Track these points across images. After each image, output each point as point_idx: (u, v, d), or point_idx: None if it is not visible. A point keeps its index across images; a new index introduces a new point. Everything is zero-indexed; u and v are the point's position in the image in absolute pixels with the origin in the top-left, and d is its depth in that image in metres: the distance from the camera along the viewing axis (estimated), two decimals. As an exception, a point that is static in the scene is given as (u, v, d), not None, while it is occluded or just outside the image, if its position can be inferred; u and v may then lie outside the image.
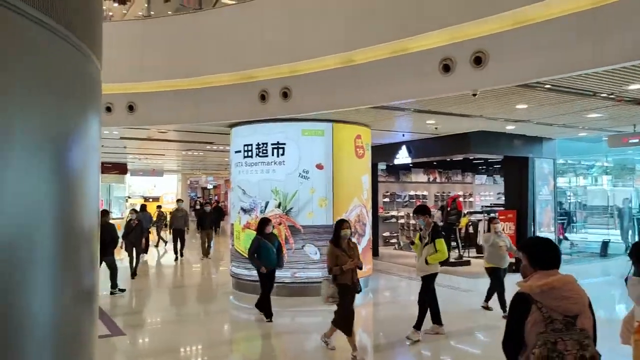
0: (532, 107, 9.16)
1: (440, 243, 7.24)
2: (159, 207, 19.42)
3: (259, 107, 9.54)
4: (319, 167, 10.05)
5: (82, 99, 2.13)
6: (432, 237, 7.30)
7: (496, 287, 8.67)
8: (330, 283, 6.52)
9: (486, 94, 8.01)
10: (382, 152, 14.60)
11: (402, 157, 14.32)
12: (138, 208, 15.13)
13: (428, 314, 7.44)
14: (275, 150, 10.05)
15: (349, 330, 6.47)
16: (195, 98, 10.23)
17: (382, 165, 17.97)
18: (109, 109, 10.77)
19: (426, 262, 7.26)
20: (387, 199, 19.07)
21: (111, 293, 10.31)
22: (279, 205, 9.98)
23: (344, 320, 6.50)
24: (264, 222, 8.51)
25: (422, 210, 7.62)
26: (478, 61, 6.92)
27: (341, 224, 6.67)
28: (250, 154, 10.31)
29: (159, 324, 8.93)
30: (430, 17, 7.20)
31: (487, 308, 8.91)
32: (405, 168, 19.33)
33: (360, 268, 6.73)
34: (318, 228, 9.91)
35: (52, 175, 1.66)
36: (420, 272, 7.47)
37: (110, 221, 11.23)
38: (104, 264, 10.18)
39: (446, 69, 7.25)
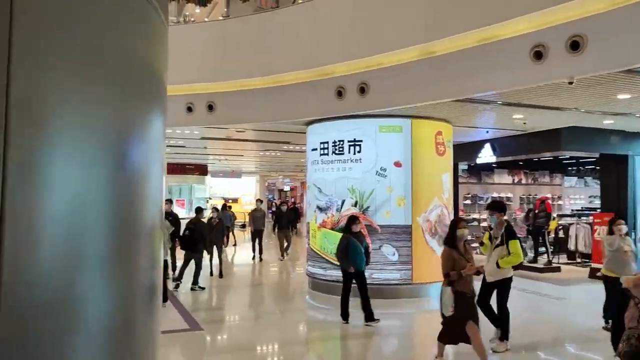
0: (636, 97, 8.28)
1: (515, 245, 6.47)
2: (229, 207, 19.64)
3: (335, 103, 9.36)
4: (397, 164, 9.69)
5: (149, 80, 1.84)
6: (505, 237, 6.53)
7: (614, 300, 6.69)
8: (450, 291, 5.70)
9: (583, 83, 7.31)
10: (463, 151, 13.94)
11: (486, 155, 13.59)
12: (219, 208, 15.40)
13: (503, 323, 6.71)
14: (351, 148, 9.82)
15: (447, 338, 5.87)
16: (272, 96, 10.23)
17: (463, 165, 17.24)
18: (190, 109, 11.05)
19: (497, 266, 6.50)
20: (468, 201, 18.29)
21: (191, 289, 10.52)
22: (355, 204, 9.73)
23: (450, 329, 5.75)
24: (352, 219, 8.05)
25: (496, 207, 6.94)
26: (575, 46, 6.30)
27: (457, 222, 6.03)
28: (326, 151, 10.15)
29: (236, 321, 8.96)
30: (520, 1, 6.67)
31: (608, 329, 6.99)
32: (488, 169, 18.43)
33: (480, 273, 6.14)
34: (396, 228, 9.55)
35: (112, 172, 1.50)
36: (490, 277, 6.58)
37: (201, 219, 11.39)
38: (191, 260, 10.49)
39: (538, 56, 6.68)
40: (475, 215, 17.77)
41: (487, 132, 12.27)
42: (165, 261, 8.96)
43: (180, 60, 10.82)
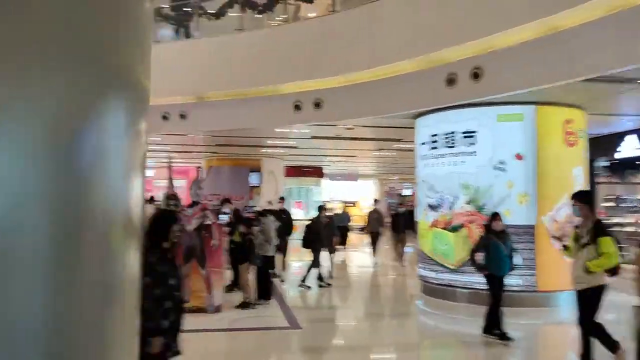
0: None
1: (606, 243, 5.16)
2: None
3: (445, 92, 8.63)
4: (518, 157, 8.66)
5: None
6: (593, 235, 5.27)
7: None
8: None
9: None
10: (600, 146, 12.26)
11: (630, 148, 11.80)
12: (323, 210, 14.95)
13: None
14: (465, 140, 8.98)
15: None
16: (379, 89, 9.77)
17: (602, 162, 15.23)
18: (297, 107, 10.98)
19: (586, 271, 5.21)
20: (611, 203, 16.12)
21: (299, 285, 10.35)
22: (469, 202, 8.87)
23: None
24: (493, 216, 6.92)
25: (580, 196, 5.66)
26: None
27: None
28: (436, 144, 9.41)
29: (337, 322, 8.58)
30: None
31: None
32: (633, 166, 16.10)
33: None
34: (517, 228, 8.50)
35: (51, 167, 1.37)
36: (578, 284, 5.34)
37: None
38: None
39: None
40: (618, 219, 15.58)
41: (629, 121, 10.60)
42: (272, 257, 8.87)
43: (287, 60, 10.85)
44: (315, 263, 10.46)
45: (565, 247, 5.73)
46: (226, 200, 10.71)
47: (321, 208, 11.34)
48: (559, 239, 6.06)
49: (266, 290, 8.68)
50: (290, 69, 10.76)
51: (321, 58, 10.31)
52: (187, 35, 12.83)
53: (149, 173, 25.32)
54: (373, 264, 14.35)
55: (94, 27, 1.48)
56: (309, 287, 10.46)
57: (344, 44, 9.92)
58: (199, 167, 22.62)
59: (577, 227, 5.74)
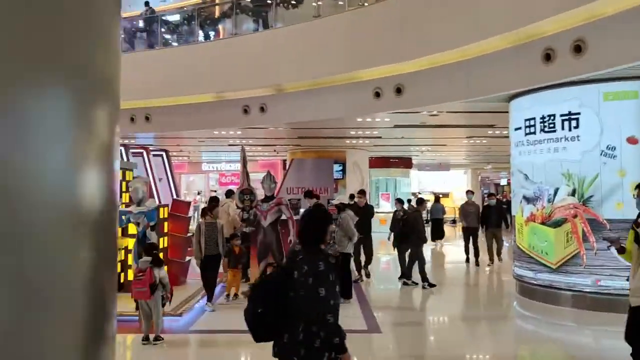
0: None
1: None
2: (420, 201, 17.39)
3: (542, 69, 7.66)
4: (632, 141, 7.50)
5: None
6: None
7: None
8: None
9: None
10: None
11: None
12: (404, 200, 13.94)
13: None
14: (565, 123, 7.94)
15: None
16: (465, 71, 8.96)
17: None
18: (377, 94, 10.43)
19: None
20: None
21: (423, 287, 9.77)
22: (573, 193, 7.84)
23: None
24: None
25: None
26: None
27: None
28: (532, 129, 8.43)
29: (423, 326, 7.95)
30: None
31: None
32: None
33: None
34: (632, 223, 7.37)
35: None
36: (636, 299, 4.35)
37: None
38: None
39: None
40: None
41: None
42: (348, 255, 8.43)
43: (366, 44, 10.31)
44: (420, 259, 9.78)
45: (622, 250, 4.65)
46: (309, 193, 10.44)
47: (420, 201, 10.60)
48: (613, 241, 4.83)
49: (345, 288, 8.27)
50: (369, 54, 10.21)
51: (402, 40, 9.66)
52: (266, 26, 12.68)
53: (235, 166, 25.90)
54: (465, 262, 13.13)
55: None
56: (432, 285, 9.74)
57: (426, 23, 9.21)
58: (284, 160, 22.77)
59: (637, 225, 4.61)
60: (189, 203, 9.81)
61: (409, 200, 16.40)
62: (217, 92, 12.89)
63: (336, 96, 11.29)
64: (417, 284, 9.86)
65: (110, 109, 1.57)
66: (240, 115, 12.67)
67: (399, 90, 10.13)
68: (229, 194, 9.47)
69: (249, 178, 7.81)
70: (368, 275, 10.37)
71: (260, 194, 8.26)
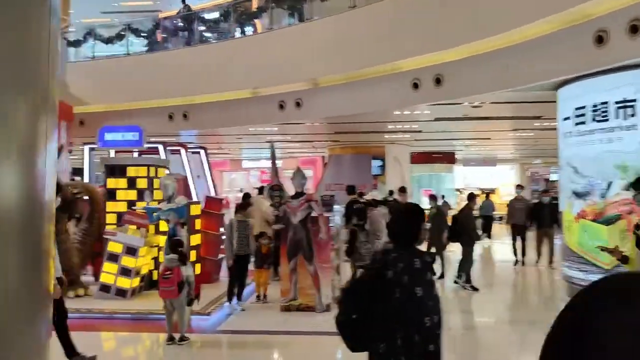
0: None
1: None
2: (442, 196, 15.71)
3: (593, 53, 7.06)
4: (696, 129, 6.80)
5: None
6: None
7: None
8: None
9: None
10: None
11: None
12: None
13: None
14: (620, 111, 7.29)
15: None
16: (509, 58, 8.42)
17: None
18: (416, 85, 10.00)
19: None
20: None
21: (454, 282, 9.28)
22: (628, 187, 7.19)
23: None
24: None
25: None
26: None
27: None
28: (582, 119, 7.80)
29: (461, 332, 7.48)
30: None
31: None
32: None
33: None
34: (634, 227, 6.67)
35: None
36: None
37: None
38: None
39: None
40: None
41: None
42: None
43: (404, 33, 9.89)
44: (468, 260, 9.17)
45: (624, 259, 4.06)
46: (351, 189, 10.12)
47: (471, 196, 9.87)
48: (612, 250, 4.14)
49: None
50: (406, 43, 9.80)
51: (441, 28, 9.20)
52: (301, 19, 12.43)
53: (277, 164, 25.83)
54: (514, 263, 11.99)
55: None
56: (475, 289, 9.06)
57: (467, 9, 8.71)
58: (323, 156, 22.51)
59: (638, 227, 4.08)
60: (222, 200, 9.68)
61: (443, 196, 15.87)
62: (253, 88, 12.75)
63: (373, 88, 10.91)
64: (477, 289, 9.15)
65: (34, 103, 1.33)
66: (276, 111, 12.49)
67: (438, 81, 9.67)
68: (262, 190, 9.28)
69: (279, 174, 7.58)
70: None
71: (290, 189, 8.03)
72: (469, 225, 9.27)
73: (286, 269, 7.24)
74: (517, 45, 8.29)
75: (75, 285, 7.88)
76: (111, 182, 8.52)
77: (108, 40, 15.02)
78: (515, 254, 12.08)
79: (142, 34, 15.12)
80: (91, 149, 12.96)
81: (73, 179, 12.77)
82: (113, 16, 18.98)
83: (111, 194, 8.57)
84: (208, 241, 8.97)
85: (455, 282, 9.28)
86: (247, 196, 10.12)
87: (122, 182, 8.49)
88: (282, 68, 11.88)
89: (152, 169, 8.63)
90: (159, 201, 8.14)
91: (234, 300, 7.44)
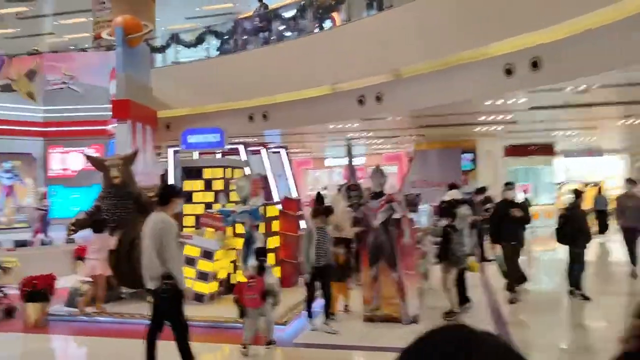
0: None
1: None
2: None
3: None
4: None
5: None
6: None
7: None
8: None
9: None
10: None
11: None
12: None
13: None
14: None
15: None
16: (622, 33, 7.27)
17: None
18: (509, 72, 9.00)
19: None
20: None
21: (570, 292, 8.13)
22: None
23: None
24: None
25: None
26: None
27: None
28: None
29: (559, 350, 6.46)
30: None
31: None
32: None
33: None
34: None
35: None
36: None
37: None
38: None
39: None
40: None
41: None
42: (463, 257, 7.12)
43: (494, 13, 8.93)
44: (579, 262, 8.06)
45: None
46: (453, 186, 9.33)
47: (577, 193, 8.56)
48: None
49: (464, 298, 7.07)
50: (497, 24, 8.83)
51: (537, 4, 8.16)
52: (380, 8, 11.75)
53: (359, 161, 25.26)
54: (631, 274, 9.86)
55: None
56: (586, 298, 7.95)
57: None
58: (409, 152, 21.60)
59: None
60: (298, 200, 9.26)
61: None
62: (331, 84, 12.28)
63: (461, 77, 10.03)
64: (588, 298, 7.97)
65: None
66: (355, 107, 11.92)
67: (535, 65, 8.62)
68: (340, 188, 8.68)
69: (356, 174, 7.00)
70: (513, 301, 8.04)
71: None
72: (584, 225, 8.12)
73: (367, 277, 6.65)
74: (630, 18, 7.11)
75: (155, 290, 7.81)
76: (187, 184, 8.40)
77: (190, 45, 15.25)
78: (631, 258, 10.01)
79: (222, 37, 15.19)
80: (175, 152, 13.11)
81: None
82: (197, 21, 19.39)
83: (188, 197, 8.44)
84: (286, 243, 8.61)
85: (571, 292, 8.07)
86: (320, 198, 9.47)
87: (199, 184, 8.34)
88: (362, 61, 11.30)
89: (228, 170, 8.40)
90: (236, 202, 7.89)
91: (319, 317, 6.80)
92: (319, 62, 12.19)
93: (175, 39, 15.48)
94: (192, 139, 13.05)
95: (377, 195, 6.60)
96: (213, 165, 8.32)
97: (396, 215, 6.49)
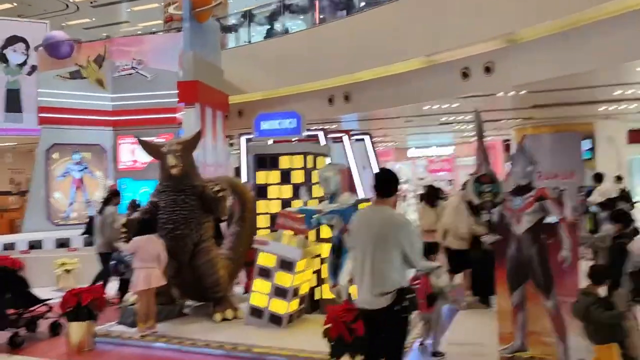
0: None
1: None
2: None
3: None
4: None
5: None
6: None
7: None
8: None
9: None
10: None
11: None
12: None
13: None
14: None
15: None
16: None
17: None
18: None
19: None
20: None
21: None
22: None
23: None
24: None
25: None
26: None
27: None
28: None
29: None
30: None
31: None
32: None
33: None
34: None
35: None
36: None
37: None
38: None
39: None
40: None
41: None
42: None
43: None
44: None
45: None
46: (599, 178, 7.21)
47: None
48: None
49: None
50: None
51: None
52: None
53: (447, 151, 22.95)
54: None
55: None
56: None
57: None
58: (507, 140, 19.06)
59: None
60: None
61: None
62: (426, 56, 10.36)
63: (596, 38, 7.86)
64: None
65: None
66: (458, 81, 9.94)
67: None
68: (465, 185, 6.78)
69: (489, 159, 5.09)
70: None
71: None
72: None
73: (506, 304, 4.76)
74: None
75: (222, 306, 6.35)
76: (261, 176, 6.84)
77: (263, 22, 13.83)
78: None
79: (298, 11, 13.63)
80: (248, 140, 11.72)
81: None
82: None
83: (261, 191, 6.89)
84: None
85: None
86: (433, 190, 7.82)
87: (274, 176, 6.75)
88: (465, 25, 9.30)
89: (310, 158, 6.74)
90: (319, 199, 6.24)
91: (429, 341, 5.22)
92: (410, 31, 10.30)
93: (247, 16, 14.11)
94: (266, 125, 11.63)
95: (522, 189, 4.67)
96: (291, 152, 6.69)
97: (551, 219, 4.56)
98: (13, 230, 14.22)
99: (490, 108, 12.09)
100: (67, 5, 19.95)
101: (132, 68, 13.64)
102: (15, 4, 19.60)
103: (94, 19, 21.21)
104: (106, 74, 13.54)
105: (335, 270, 5.54)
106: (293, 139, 10.92)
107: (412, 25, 10.24)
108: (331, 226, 5.61)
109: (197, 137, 6.42)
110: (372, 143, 12.65)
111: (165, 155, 5.95)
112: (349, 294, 5.40)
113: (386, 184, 3.56)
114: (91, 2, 19.69)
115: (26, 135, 15.18)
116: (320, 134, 11.28)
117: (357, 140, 12.36)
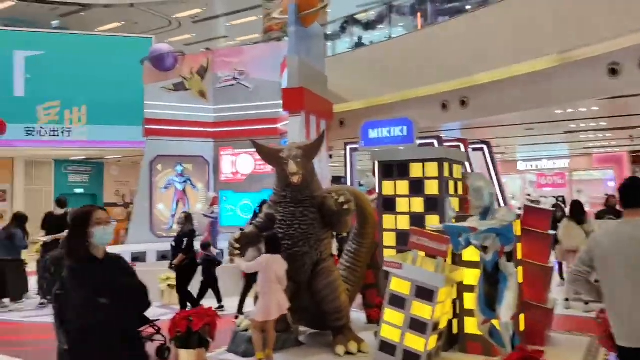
0: None
1: None
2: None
3: None
4: None
5: None
6: None
7: None
8: None
9: None
10: None
11: None
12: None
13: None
14: None
15: None
16: None
17: None
18: None
19: None
20: None
21: None
22: None
23: None
24: None
25: None
26: None
27: None
28: None
29: None
30: None
31: None
32: None
33: None
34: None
35: None
36: None
37: None
38: None
39: None
40: None
41: None
42: None
43: None
44: None
45: None
46: None
47: None
48: None
49: None
50: None
51: None
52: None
53: (561, 164, 20.90)
54: None
55: None
56: None
57: None
58: (635, 151, 16.89)
59: None
60: (549, 212, 6.25)
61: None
62: (559, 52, 9.06)
63: None
64: None
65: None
66: (604, 79, 8.53)
67: None
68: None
69: None
70: None
71: None
72: None
73: None
74: None
75: (345, 337, 5.47)
76: (387, 187, 5.94)
77: (367, 26, 13.09)
78: None
79: (405, 12, 12.76)
80: (352, 150, 10.93)
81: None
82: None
83: (387, 204, 5.98)
84: (533, 277, 5.69)
85: None
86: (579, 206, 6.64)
87: (403, 187, 5.83)
88: (611, 13, 7.95)
89: (446, 166, 5.75)
90: (464, 216, 5.22)
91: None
92: (536, 26, 9.07)
93: (350, 21, 13.44)
94: (374, 133, 10.80)
95: None
96: (424, 159, 5.74)
97: None
98: (118, 241, 14.43)
99: (625, 113, 10.45)
100: (170, 22, 20.51)
101: (234, 79, 13.41)
102: (123, 22, 20.45)
103: (194, 35, 21.69)
104: (208, 86, 13.43)
105: (488, 302, 4.54)
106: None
107: (538, 20, 9.01)
108: (484, 248, 4.58)
109: (319, 142, 5.64)
110: (491, 153, 11.41)
111: (285, 161, 5.21)
112: (514, 332, 4.46)
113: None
114: (192, 18, 20.09)
115: (131, 148, 15.46)
116: (435, 143, 10.29)
117: (474, 149, 11.19)
